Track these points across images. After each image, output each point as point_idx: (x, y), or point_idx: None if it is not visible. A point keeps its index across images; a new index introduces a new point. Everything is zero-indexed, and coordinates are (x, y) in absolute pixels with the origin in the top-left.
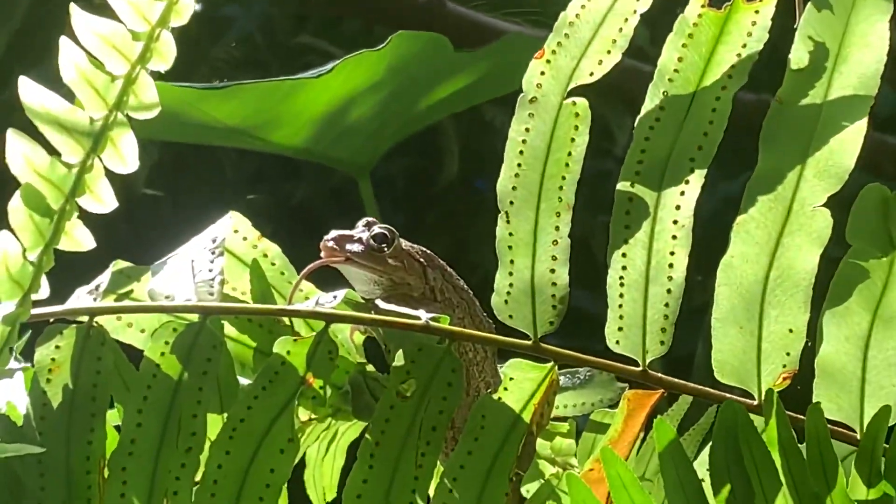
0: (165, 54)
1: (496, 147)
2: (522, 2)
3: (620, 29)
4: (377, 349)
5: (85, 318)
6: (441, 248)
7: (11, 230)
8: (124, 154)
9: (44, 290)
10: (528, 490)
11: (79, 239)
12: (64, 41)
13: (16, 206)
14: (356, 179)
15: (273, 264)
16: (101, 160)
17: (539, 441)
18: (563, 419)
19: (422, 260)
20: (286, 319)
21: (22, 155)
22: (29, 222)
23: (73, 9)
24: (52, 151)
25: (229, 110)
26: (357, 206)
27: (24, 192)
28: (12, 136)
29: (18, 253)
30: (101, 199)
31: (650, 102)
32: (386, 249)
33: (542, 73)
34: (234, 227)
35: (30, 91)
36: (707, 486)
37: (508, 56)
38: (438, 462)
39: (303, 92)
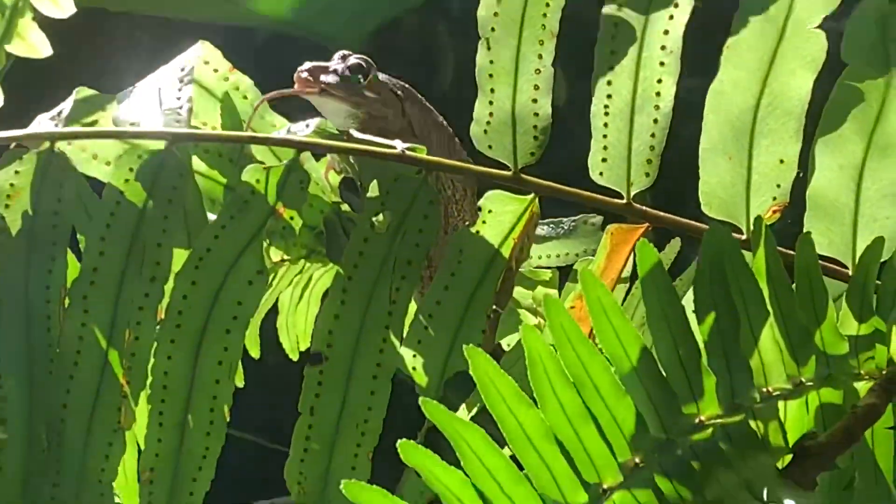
0: None
1: None
2: None
3: None
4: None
5: (46, 145)
6: None
7: None
8: None
9: None
10: (508, 343)
11: (34, 43)
12: None
13: None
14: None
15: (245, 97)
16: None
17: (520, 290)
18: (546, 269)
19: (400, 93)
20: (258, 155)
21: None
22: None
23: None
24: None
25: None
26: None
27: None
28: None
29: None
30: (58, 1)
31: None
32: (362, 80)
33: None
34: (203, 58)
35: None
36: (693, 321)
37: None
38: (413, 300)
39: None
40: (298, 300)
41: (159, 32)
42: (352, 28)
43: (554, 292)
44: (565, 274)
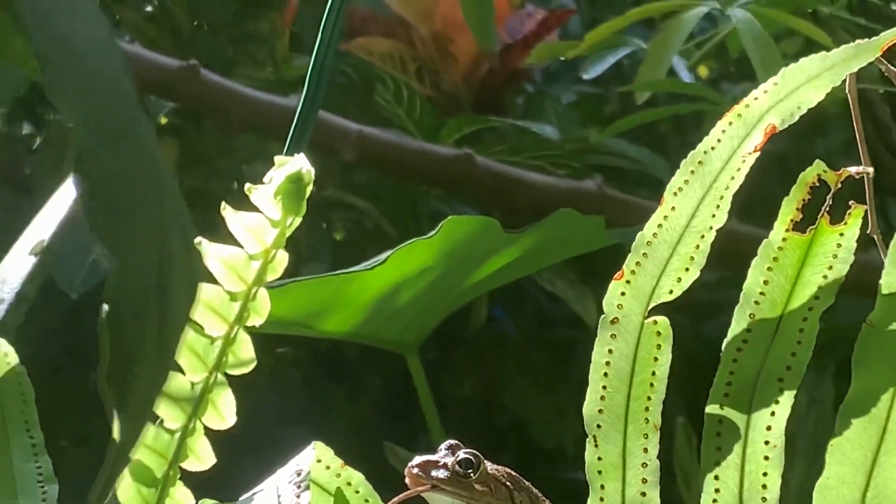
0: (261, 310)
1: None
2: (540, 145)
3: (697, 245)
4: None
5: None
6: (471, 391)
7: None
8: (223, 412)
9: None
10: None
11: (180, 500)
12: None
13: (126, 484)
14: (403, 356)
15: (357, 492)
16: (200, 422)
17: None
18: None
19: (508, 483)
20: None
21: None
22: (136, 495)
23: None
24: (154, 419)
25: (283, 306)
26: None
27: (134, 469)
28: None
29: None
30: (202, 459)
31: (737, 325)
32: (472, 475)
33: (623, 294)
34: (317, 457)
35: None
36: None
37: (555, 232)
38: None
39: (355, 283)
40: None
41: None
42: (413, 330)
43: None
44: None
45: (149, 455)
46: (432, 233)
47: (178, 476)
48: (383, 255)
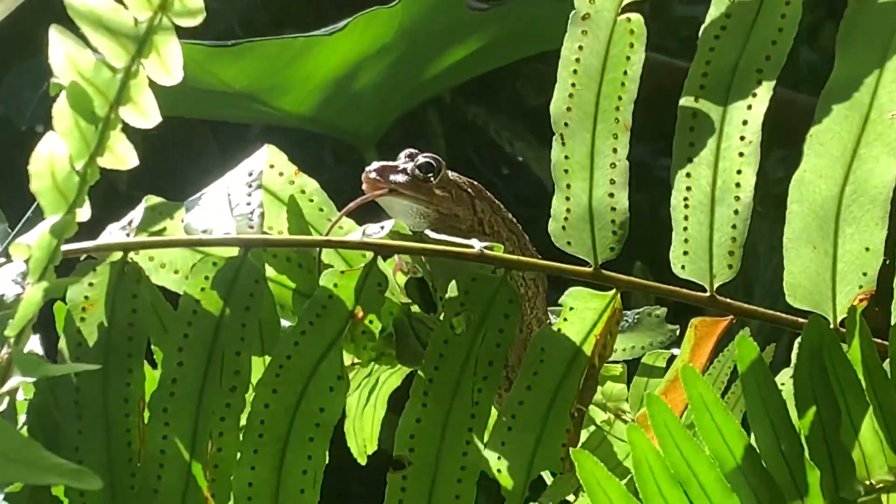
0: None
1: (477, 146)
2: None
3: None
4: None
5: (119, 256)
6: None
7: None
8: (168, 63)
9: (85, 211)
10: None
11: (121, 154)
12: None
13: (61, 109)
14: (360, 150)
15: (311, 200)
16: (144, 67)
17: None
18: (614, 363)
19: (469, 191)
20: (326, 259)
21: (65, 54)
22: (74, 128)
23: None
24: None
25: (239, 71)
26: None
27: (70, 93)
28: (55, 33)
29: (65, 158)
30: (145, 112)
31: (715, 10)
32: (432, 179)
33: None
34: (269, 162)
35: None
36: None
37: (519, 18)
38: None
39: (314, 51)
40: (365, 403)
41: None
42: (372, 121)
43: (623, 387)
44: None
45: (88, 87)
46: (394, 2)
47: (121, 127)
48: (342, 22)
